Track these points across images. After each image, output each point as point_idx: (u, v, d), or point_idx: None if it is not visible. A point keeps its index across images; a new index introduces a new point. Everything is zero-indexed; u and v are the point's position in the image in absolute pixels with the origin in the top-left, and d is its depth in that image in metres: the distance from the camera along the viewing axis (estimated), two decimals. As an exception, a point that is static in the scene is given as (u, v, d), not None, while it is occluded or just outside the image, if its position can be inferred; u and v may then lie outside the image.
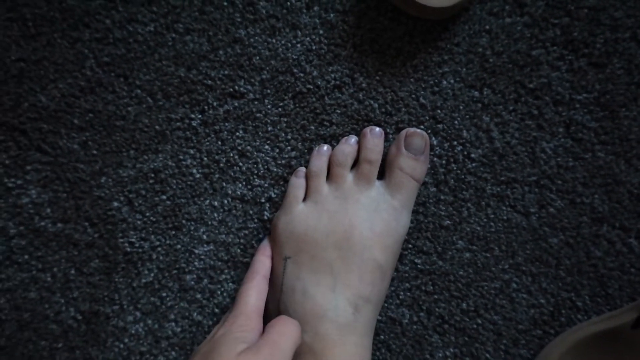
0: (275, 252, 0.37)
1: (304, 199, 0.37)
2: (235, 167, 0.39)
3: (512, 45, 0.37)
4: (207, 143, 0.39)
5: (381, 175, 0.37)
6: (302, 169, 0.38)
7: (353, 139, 0.38)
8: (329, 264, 0.34)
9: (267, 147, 0.39)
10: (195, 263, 0.39)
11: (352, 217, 0.35)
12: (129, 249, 0.39)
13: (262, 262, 0.36)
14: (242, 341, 0.29)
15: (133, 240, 0.39)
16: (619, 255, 0.38)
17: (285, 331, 0.30)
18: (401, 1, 0.36)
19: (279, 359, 0.28)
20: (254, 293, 0.34)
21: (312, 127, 0.39)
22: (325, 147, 0.38)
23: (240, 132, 0.39)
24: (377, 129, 0.37)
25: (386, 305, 0.39)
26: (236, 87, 0.38)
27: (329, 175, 0.37)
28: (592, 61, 0.37)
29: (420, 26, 0.37)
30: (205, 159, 0.39)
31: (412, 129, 0.37)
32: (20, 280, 0.39)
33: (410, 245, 0.39)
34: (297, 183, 0.38)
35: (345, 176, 0.37)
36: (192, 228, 0.39)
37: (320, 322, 0.33)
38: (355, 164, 0.37)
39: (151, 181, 0.39)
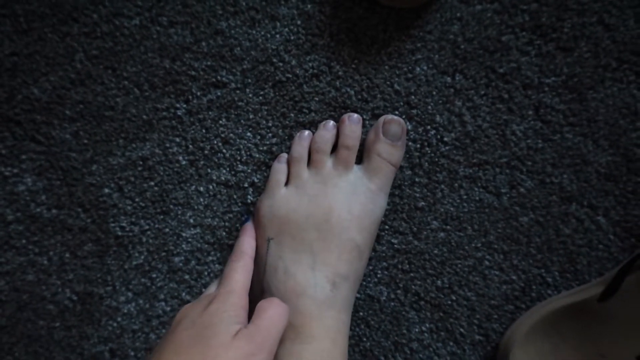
0: (258, 233, 0.37)
1: (286, 184, 0.38)
2: (219, 154, 0.40)
3: (483, 31, 0.38)
4: (192, 131, 0.39)
5: (359, 160, 0.38)
6: (284, 155, 0.39)
7: (331, 123, 0.38)
8: (309, 244, 0.35)
9: (249, 134, 0.39)
10: (183, 246, 0.40)
11: (331, 200, 0.36)
12: (120, 233, 0.40)
13: (249, 242, 0.37)
14: (236, 321, 0.30)
15: (124, 224, 0.40)
16: (587, 233, 0.38)
17: (276, 317, 0.31)
18: (374, -9, 0.36)
19: (269, 344, 0.29)
20: (244, 272, 0.34)
21: (292, 115, 0.39)
22: (306, 133, 0.39)
23: (223, 120, 0.39)
24: (355, 115, 0.38)
25: (364, 283, 0.40)
26: (218, 77, 0.39)
27: (310, 161, 0.38)
28: (560, 45, 0.37)
29: (393, 15, 0.38)
30: (190, 146, 0.40)
31: (389, 116, 0.37)
32: (18, 263, 0.40)
33: (387, 226, 0.39)
34: (280, 168, 0.38)
35: (325, 161, 0.37)
36: (179, 212, 0.40)
37: (300, 299, 0.34)
38: (335, 149, 0.38)
39: (140, 168, 0.40)
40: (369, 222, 0.36)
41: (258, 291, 0.37)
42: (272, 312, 0.31)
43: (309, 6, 0.38)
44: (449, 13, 0.37)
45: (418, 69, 0.38)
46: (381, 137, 0.37)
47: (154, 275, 0.40)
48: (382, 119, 0.37)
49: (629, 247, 0.38)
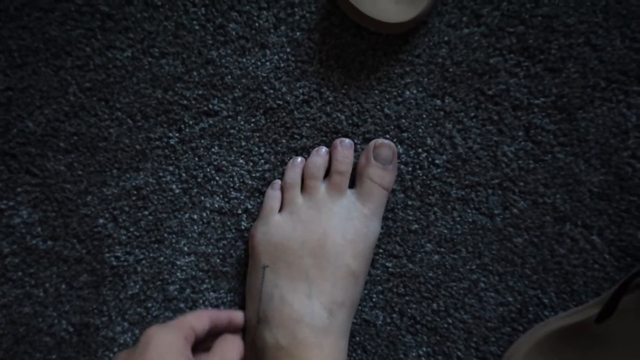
0: (253, 261, 0.37)
1: (280, 210, 0.37)
2: (212, 182, 0.39)
3: (471, 54, 0.37)
4: (185, 160, 0.39)
5: (352, 184, 0.38)
6: (278, 182, 0.38)
7: (323, 149, 0.38)
8: (305, 271, 0.35)
9: (241, 161, 0.39)
10: (178, 274, 0.39)
11: (326, 226, 0.35)
12: (115, 263, 0.40)
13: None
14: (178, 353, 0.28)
15: (119, 254, 0.40)
16: (583, 253, 0.37)
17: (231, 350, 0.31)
18: (361, 18, 0.36)
19: None
20: (195, 317, 0.32)
21: (284, 141, 0.39)
22: (299, 159, 0.38)
23: (216, 148, 0.39)
24: (347, 140, 0.38)
25: (360, 307, 0.39)
26: (210, 106, 0.39)
27: (303, 187, 0.37)
28: (548, 66, 0.37)
29: (382, 40, 0.38)
30: (183, 174, 0.39)
31: (380, 140, 0.37)
32: (14, 296, 0.40)
33: (381, 250, 0.39)
34: (273, 195, 0.38)
35: (318, 187, 0.37)
36: (173, 241, 0.39)
37: (297, 326, 0.33)
38: (328, 174, 0.38)
39: (134, 198, 0.39)
40: (363, 246, 0.35)
41: (254, 320, 0.36)
42: (227, 346, 0.31)
43: (298, 34, 0.38)
44: (437, 37, 0.37)
45: (407, 92, 0.38)
46: (372, 161, 0.36)
47: (150, 305, 0.39)
48: (372, 143, 0.37)
49: (625, 266, 0.37)
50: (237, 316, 0.36)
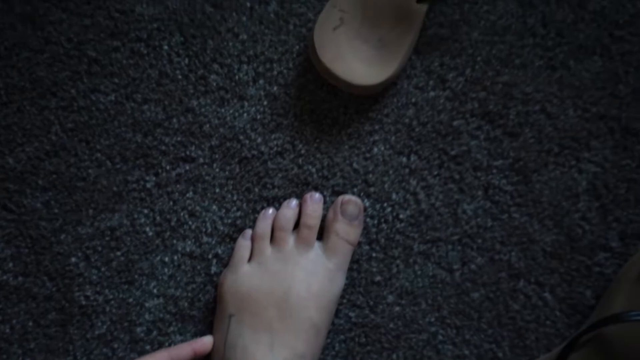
0: (220, 309, 0.37)
1: (249, 260, 0.38)
2: (185, 226, 0.40)
3: (436, 116, 0.40)
4: (160, 203, 0.40)
5: (321, 235, 0.39)
6: (249, 231, 0.39)
7: (294, 202, 0.39)
8: (269, 323, 0.35)
9: (214, 207, 0.40)
10: (146, 316, 0.40)
11: (291, 278, 0.36)
12: (84, 302, 0.40)
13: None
14: None
15: (88, 294, 0.40)
16: (535, 309, 0.39)
17: None
18: (335, 79, 0.38)
19: None
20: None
21: (256, 190, 0.40)
22: (270, 210, 0.39)
23: (191, 193, 0.40)
24: (317, 195, 0.39)
25: (322, 356, 0.40)
26: (188, 152, 0.40)
27: (273, 238, 0.38)
28: (507, 131, 0.39)
29: (353, 99, 0.40)
30: (157, 217, 0.40)
31: (347, 197, 0.38)
32: (-20, 331, 0.40)
33: (344, 300, 0.40)
34: (244, 244, 0.39)
35: (287, 239, 0.38)
36: (143, 282, 0.40)
37: None
38: (297, 226, 0.39)
39: (107, 238, 0.40)
40: (327, 300, 0.36)
41: (218, 368, 0.36)
42: None
43: (275, 88, 0.40)
44: (405, 98, 0.39)
45: (375, 149, 0.40)
46: (339, 216, 0.38)
47: (116, 346, 0.40)
48: (340, 199, 0.38)
49: (575, 323, 0.38)
50: (202, 344, 0.37)
